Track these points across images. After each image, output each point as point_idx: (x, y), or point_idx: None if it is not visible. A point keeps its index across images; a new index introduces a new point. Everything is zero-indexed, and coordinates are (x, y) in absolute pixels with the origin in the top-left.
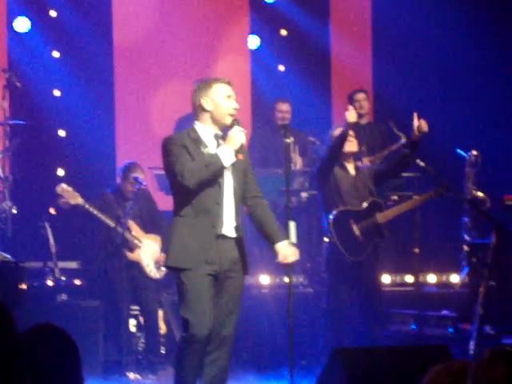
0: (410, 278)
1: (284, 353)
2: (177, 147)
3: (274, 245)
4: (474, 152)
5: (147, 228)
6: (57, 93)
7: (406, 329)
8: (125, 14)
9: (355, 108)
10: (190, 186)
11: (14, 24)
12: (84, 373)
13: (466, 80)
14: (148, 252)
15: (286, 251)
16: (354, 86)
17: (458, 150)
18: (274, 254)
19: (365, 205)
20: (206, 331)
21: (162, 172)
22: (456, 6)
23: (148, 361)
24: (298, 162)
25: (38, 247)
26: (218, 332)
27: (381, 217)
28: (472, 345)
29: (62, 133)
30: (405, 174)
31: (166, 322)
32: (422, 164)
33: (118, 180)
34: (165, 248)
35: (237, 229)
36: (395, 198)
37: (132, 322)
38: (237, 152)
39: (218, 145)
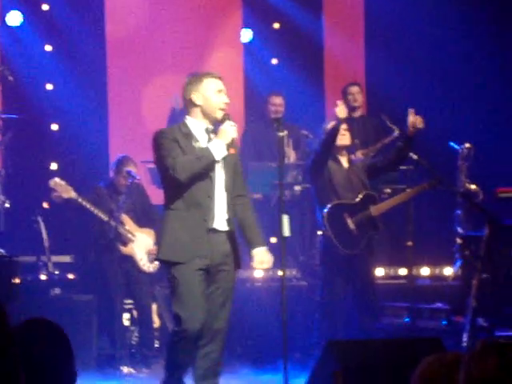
0: (403, 271)
1: (278, 346)
2: (168, 141)
3: (252, 249)
4: (467, 145)
5: (140, 222)
6: (49, 86)
7: (400, 321)
8: (117, 7)
9: (349, 101)
10: (181, 180)
11: (6, 18)
12: (77, 367)
13: (459, 73)
14: (141, 246)
15: (262, 258)
16: (347, 79)
17: (451, 143)
18: (251, 257)
19: (359, 198)
20: (198, 326)
21: (155, 166)
22: None
23: (142, 354)
24: (291, 156)
25: (31, 241)
26: (211, 325)
27: (375, 209)
28: (465, 337)
29: (54, 127)
30: None
31: (160, 316)
32: (415, 157)
33: (111, 174)
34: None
35: (228, 222)
36: (388, 190)
37: (125, 316)
38: (228, 146)
39: (210, 139)
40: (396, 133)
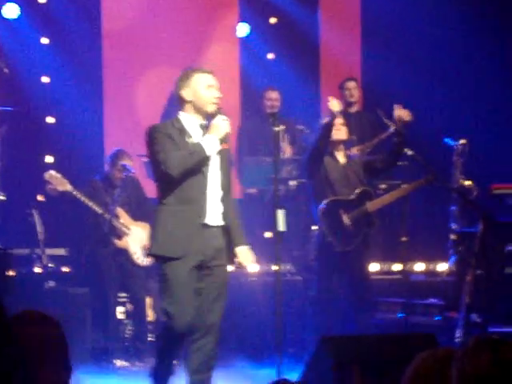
0: (397, 267)
1: (272, 340)
2: (161, 136)
3: (235, 248)
4: (462, 141)
5: (135, 215)
6: (45, 79)
7: (394, 317)
8: (114, 1)
9: (345, 96)
10: (173, 175)
11: (2, 10)
12: (71, 359)
13: (455, 69)
14: (136, 239)
15: (245, 256)
16: (343, 74)
17: (446, 139)
18: (233, 255)
19: (355, 194)
20: (187, 322)
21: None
22: None
23: (135, 348)
24: (287, 151)
25: (25, 234)
26: (204, 320)
27: (371, 205)
28: (459, 333)
29: (50, 119)
30: None
31: (154, 310)
32: (410, 153)
33: (106, 167)
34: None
35: (222, 218)
36: (383, 186)
37: (120, 309)
38: (221, 141)
39: (203, 134)
40: (392, 128)
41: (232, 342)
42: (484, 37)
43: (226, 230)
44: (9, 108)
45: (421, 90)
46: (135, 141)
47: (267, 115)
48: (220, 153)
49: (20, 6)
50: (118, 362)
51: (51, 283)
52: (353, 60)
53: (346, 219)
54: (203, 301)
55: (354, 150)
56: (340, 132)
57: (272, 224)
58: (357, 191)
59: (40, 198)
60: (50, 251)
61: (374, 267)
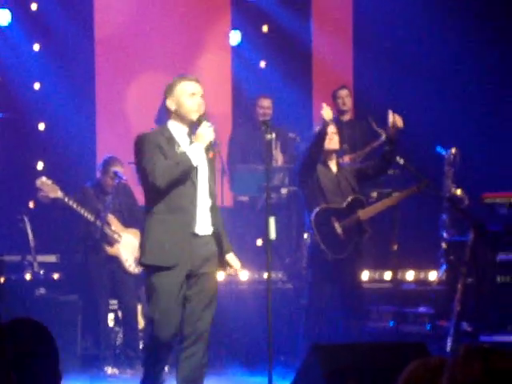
0: (388, 275)
1: (263, 348)
2: (150, 145)
3: (225, 255)
4: (453, 150)
5: (127, 222)
6: (37, 86)
7: (385, 325)
8: (106, 7)
9: (338, 105)
10: (160, 186)
11: None
12: (61, 367)
13: (447, 77)
14: (127, 247)
15: (232, 263)
16: (335, 82)
17: (438, 148)
18: (224, 261)
19: (347, 202)
20: (172, 332)
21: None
22: (436, 2)
23: (126, 355)
24: (278, 159)
25: (16, 241)
26: (194, 328)
27: (363, 213)
28: (449, 342)
29: (41, 126)
30: None
31: (145, 317)
32: (401, 162)
33: (98, 174)
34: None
35: (211, 226)
36: (374, 194)
37: (110, 317)
38: (207, 149)
39: (191, 143)
40: (383, 137)
41: (223, 349)
42: (477, 46)
43: (215, 237)
44: (0, 114)
45: (412, 97)
46: (127, 147)
47: (259, 123)
48: (208, 161)
49: (12, 12)
50: (109, 370)
51: (42, 290)
52: (345, 67)
53: (337, 227)
54: (193, 309)
55: (346, 159)
56: (333, 141)
57: (263, 232)
58: (349, 199)
59: (31, 204)
60: (40, 258)
61: (364, 275)
